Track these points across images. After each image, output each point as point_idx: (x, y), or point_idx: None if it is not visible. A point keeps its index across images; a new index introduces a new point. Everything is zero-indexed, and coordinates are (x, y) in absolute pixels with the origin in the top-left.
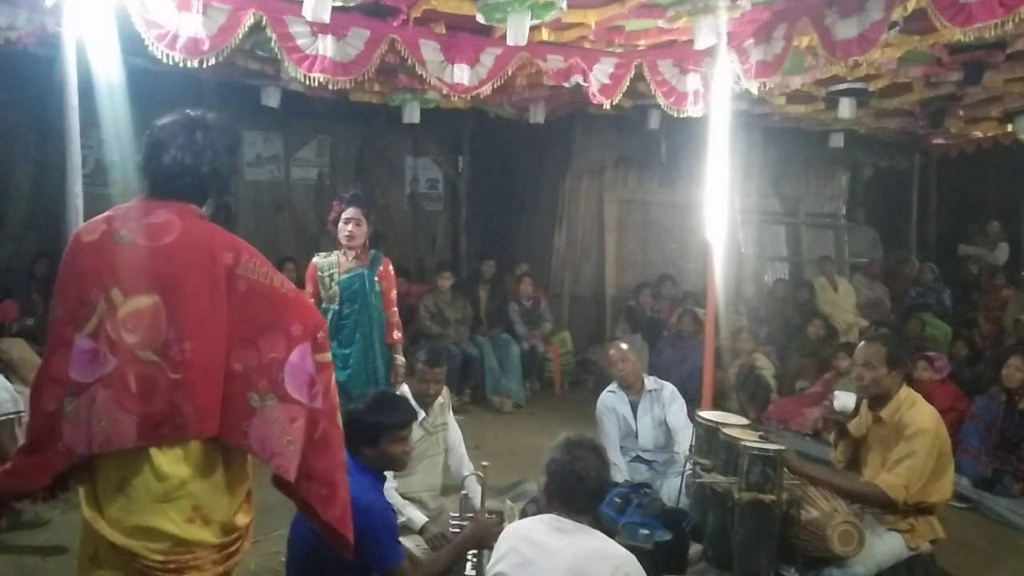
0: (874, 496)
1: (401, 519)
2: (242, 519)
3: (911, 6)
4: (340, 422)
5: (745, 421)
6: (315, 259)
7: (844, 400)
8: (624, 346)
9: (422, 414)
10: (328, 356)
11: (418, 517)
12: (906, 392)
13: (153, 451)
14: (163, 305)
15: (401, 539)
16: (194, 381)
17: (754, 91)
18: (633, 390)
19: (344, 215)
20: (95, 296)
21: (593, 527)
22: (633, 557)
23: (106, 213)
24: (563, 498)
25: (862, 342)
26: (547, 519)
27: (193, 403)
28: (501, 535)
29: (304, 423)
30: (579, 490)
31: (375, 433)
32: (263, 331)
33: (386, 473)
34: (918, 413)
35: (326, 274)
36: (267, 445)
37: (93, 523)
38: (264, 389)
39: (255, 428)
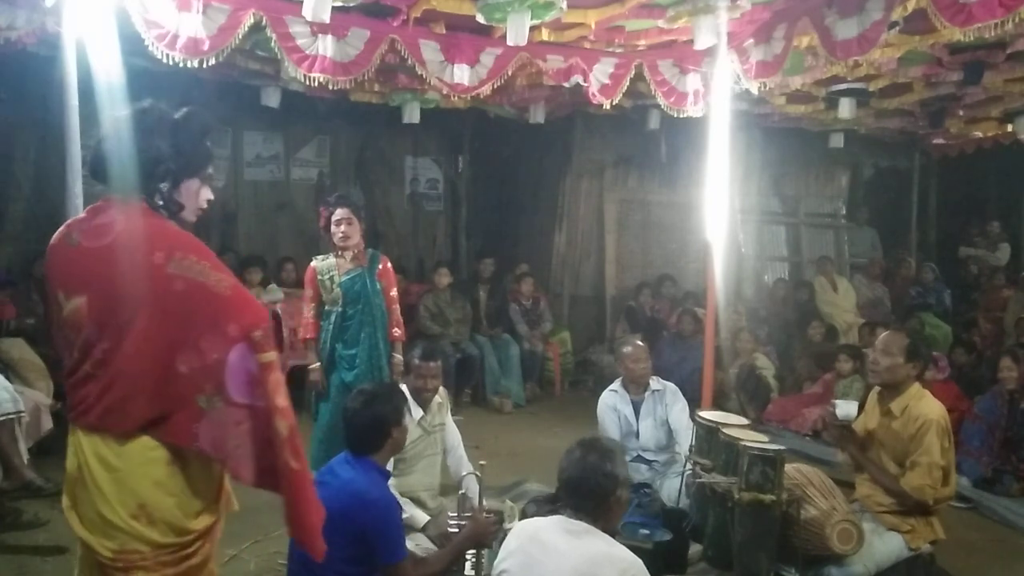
0: (908, 498)
1: (404, 515)
2: (198, 523)
3: (911, 6)
4: (290, 422)
5: (745, 421)
6: (313, 263)
7: (846, 409)
8: (641, 344)
9: (420, 412)
10: (271, 356)
11: (420, 516)
12: (917, 388)
13: (98, 443)
14: (87, 305)
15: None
16: (112, 381)
17: (754, 91)
18: (638, 390)
19: (334, 217)
20: (53, 299)
21: (605, 530)
22: (640, 561)
23: (77, 215)
24: (569, 499)
25: (886, 332)
26: (558, 520)
27: (111, 401)
28: (511, 532)
29: (250, 425)
30: (583, 492)
31: (383, 427)
32: (203, 332)
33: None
34: (926, 405)
35: (326, 277)
36: (219, 447)
37: (66, 512)
38: (210, 391)
39: (205, 429)
